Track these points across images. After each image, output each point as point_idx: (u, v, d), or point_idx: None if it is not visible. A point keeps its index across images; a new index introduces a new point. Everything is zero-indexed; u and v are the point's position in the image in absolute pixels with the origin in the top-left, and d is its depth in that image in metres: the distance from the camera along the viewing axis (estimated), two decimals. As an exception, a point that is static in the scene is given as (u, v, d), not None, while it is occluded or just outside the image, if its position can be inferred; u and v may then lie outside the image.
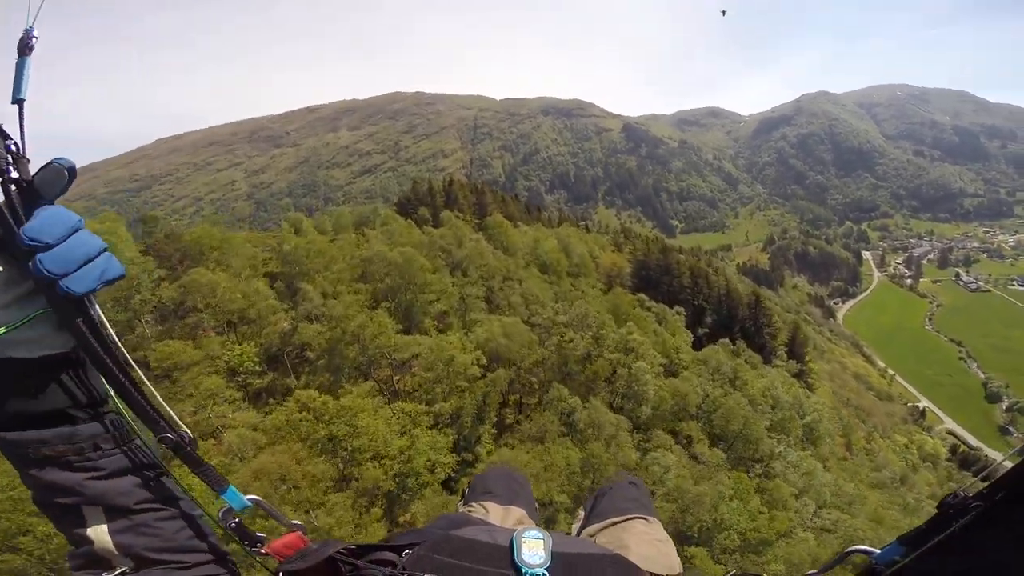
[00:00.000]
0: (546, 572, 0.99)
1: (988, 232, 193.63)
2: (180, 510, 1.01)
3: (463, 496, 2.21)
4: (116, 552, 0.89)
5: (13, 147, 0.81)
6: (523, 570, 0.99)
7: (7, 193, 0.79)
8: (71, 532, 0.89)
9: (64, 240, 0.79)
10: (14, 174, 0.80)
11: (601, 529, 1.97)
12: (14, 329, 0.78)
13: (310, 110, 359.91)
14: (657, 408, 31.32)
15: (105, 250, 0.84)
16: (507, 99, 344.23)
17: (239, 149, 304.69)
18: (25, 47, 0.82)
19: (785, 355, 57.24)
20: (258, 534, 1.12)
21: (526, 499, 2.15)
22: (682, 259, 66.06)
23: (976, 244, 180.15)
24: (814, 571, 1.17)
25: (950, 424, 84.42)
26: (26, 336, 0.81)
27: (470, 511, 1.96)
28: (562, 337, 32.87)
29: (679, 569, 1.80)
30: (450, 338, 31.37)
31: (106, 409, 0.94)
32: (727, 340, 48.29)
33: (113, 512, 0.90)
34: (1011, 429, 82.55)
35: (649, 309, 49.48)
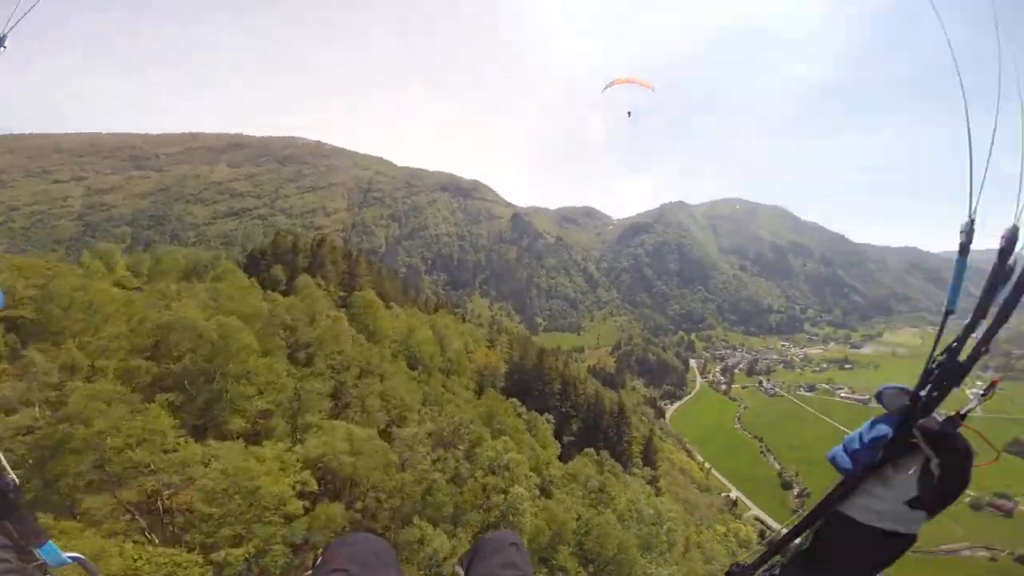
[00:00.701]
0: None
1: (784, 345, 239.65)
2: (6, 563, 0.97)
3: (313, 565, 2.01)
4: None
5: None
6: None
7: None
8: None
9: None
10: None
11: None
12: None
13: (193, 136, 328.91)
14: (533, 540, 28.72)
15: None
16: (408, 168, 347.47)
17: (90, 163, 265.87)
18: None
19: (641, 462, 61.20)
20: None
21: (396, 570, 2.03)
22: (556, 365, 67.22)
23: (775, 356, 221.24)
24: None
25: (755, 511, 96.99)
26: None
27: None
28: (429, 458, 27.83)
29: None
30: (265, 451, 22.23)
31: None
32: (592, 450, 49.37)
33: None
34: (799, 511, 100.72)
35: (521, 416, 47.89)
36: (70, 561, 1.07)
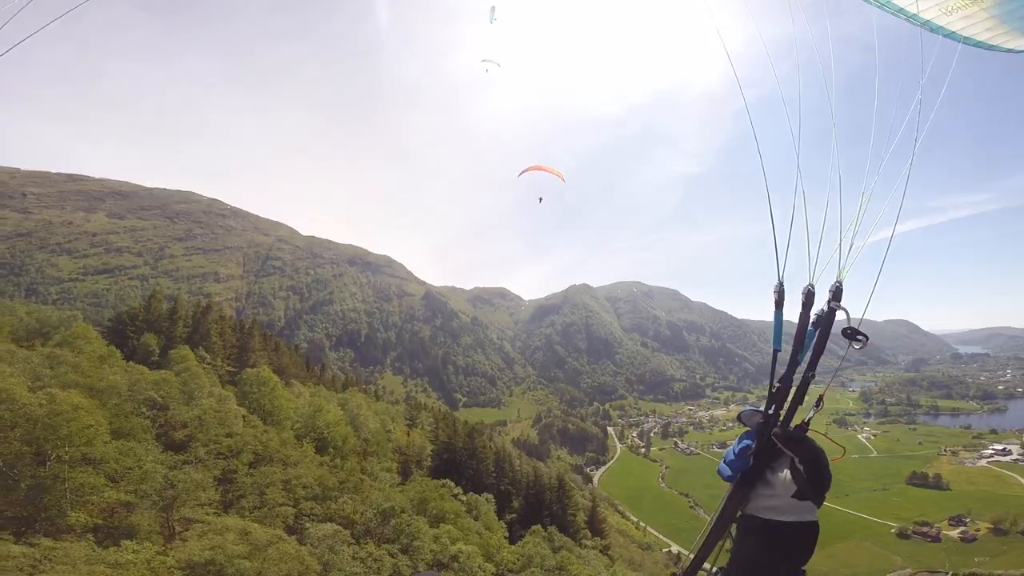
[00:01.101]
0: None
1: (691, 409, 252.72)
2: None
3: None
4: None
5: None
6: None
7: None
8: None
9: None
10: None
11: None
12: None
13: (72, 179, 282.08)
14: None
15: None
16: (313, 237, 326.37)
17: None
18: None
19: (589, 532, 57.59)
20: None
21: None
22: (487, 443, 63.61)
23: (684, 419, 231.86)
24: None
25: None
26: None
27: None
28: (357, 557, 22.45)
29: None
30: (124, 553, 15.76)
31: None
32: (539, 527, 45.11)
33: None
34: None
35: (458, 498, 42.95)
36: None
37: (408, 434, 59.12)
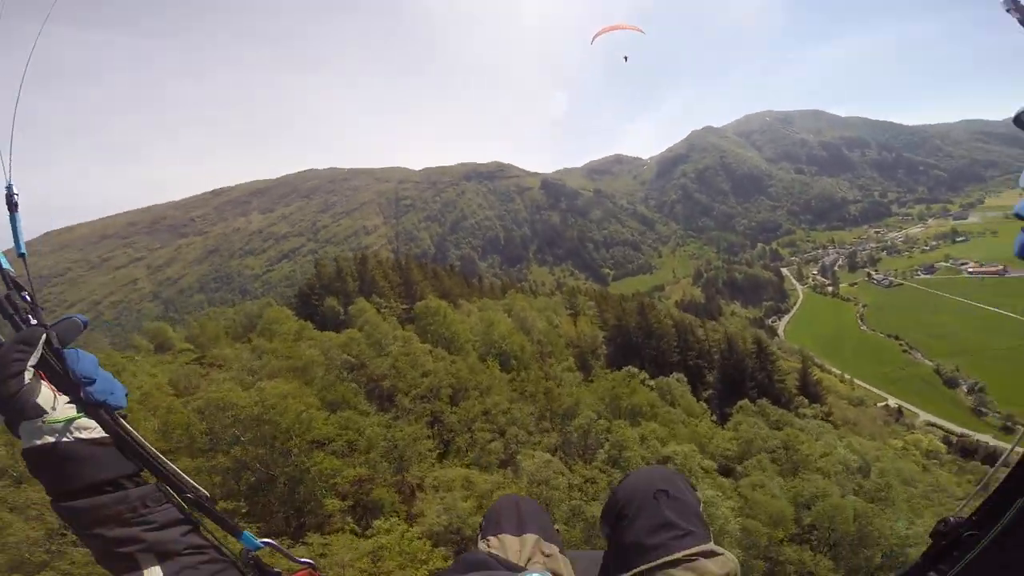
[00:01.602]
0: None
1: (878, 232, 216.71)
2: (214, 556, 1.20)
3: (480, 530, 2.17)
4: None
5: (28, 297, 1.01)
6: None
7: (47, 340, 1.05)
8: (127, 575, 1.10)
9: (96, 374, 1.14)
10: (33, 321, 1.01)
11: None
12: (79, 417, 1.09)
13: (215, 193, 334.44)
14: (752, 546, 20.46)
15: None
16: (427, 168, 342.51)
17: (139, 241, 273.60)
18: (11, 203, 0.96)
19: (804, 399, 50.24)
20: (274, 569, 1.30)
21: (540, 524, 2.09)
22: (663, 318, 56.95)
23: (873, 244, 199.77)
24: None
25: (925, 415, 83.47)
26: (84, 424, 1.10)
27: (488, 546, 1.96)
28: (569, 483, 20.44)
29: None
30: (374, 542, 14.04)
31: (143, 479, 1.20)
32: (746, 401, 40.19)
33: (164, 557, 1.12)
34: (984, 410, 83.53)
35: (645, 383, 39.86)
36: (263, 545, 1.29)
37: (575, 324, 56.70)
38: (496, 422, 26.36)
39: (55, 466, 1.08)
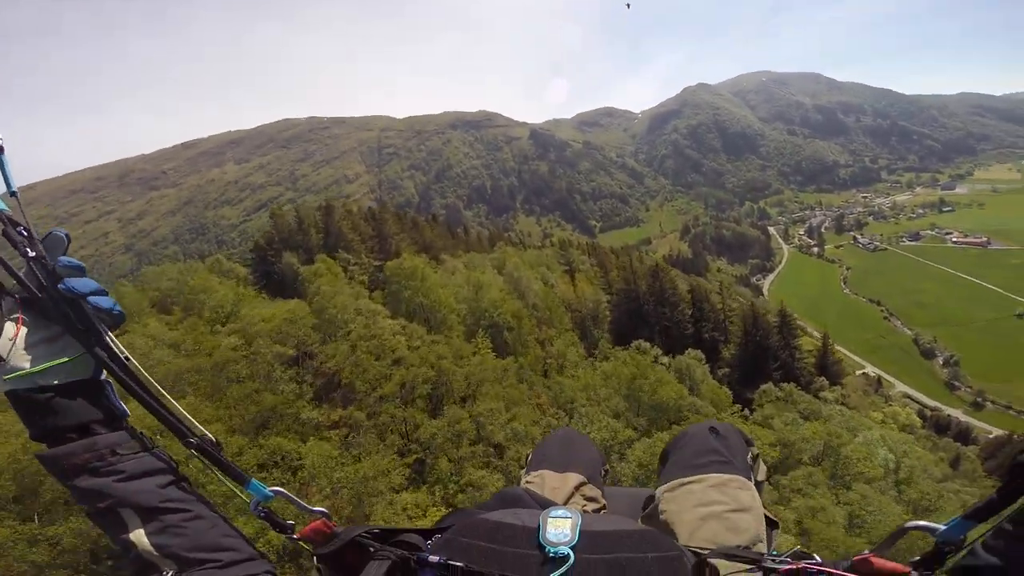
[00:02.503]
0: (570, 551, 0.98)
1: (866, 197, 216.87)
2: (202, 511, 1.10)
3: (526, 465, 2.15)
4: (156, 553, 1.02)
5: (24, 232, 1.03)
6: (547, 549, 0.99)
7: (32, 266, 1.02)
8: (118, 539, 1.04)
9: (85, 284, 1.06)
10: (31, 253, 1.02)
11: (666, 493, 1.71)
12: (52, 366, 1.02)
13: (187, 146, 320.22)
14: None
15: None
16: (411, 117, 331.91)
17: (108, 195, 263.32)
18: None
19: (826, 382, 44.04)
20: (288, 521, 1.22)
21: (586, 462, 2.05)
22: (678, 283, 50.50)
23: (860, 208, 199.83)
24: (867, 550, 1.07)
25: (901, 387, 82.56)
26: (55, 368, 1.04)
27: (528, 483, 1.93)
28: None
29: (751, 541, 1.48)
30: None
31: (124, 424, 1.12)
32: (770, 385, 34.83)
33: (144, 514, 1.03)
34: (956, 384, 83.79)
35: (658, 361, 34.54)
36: (272, 495, 1.20)
37: (573, 285, 49.91)
38: (491, 438, 20.57)
39: (23, 412, 1.05)
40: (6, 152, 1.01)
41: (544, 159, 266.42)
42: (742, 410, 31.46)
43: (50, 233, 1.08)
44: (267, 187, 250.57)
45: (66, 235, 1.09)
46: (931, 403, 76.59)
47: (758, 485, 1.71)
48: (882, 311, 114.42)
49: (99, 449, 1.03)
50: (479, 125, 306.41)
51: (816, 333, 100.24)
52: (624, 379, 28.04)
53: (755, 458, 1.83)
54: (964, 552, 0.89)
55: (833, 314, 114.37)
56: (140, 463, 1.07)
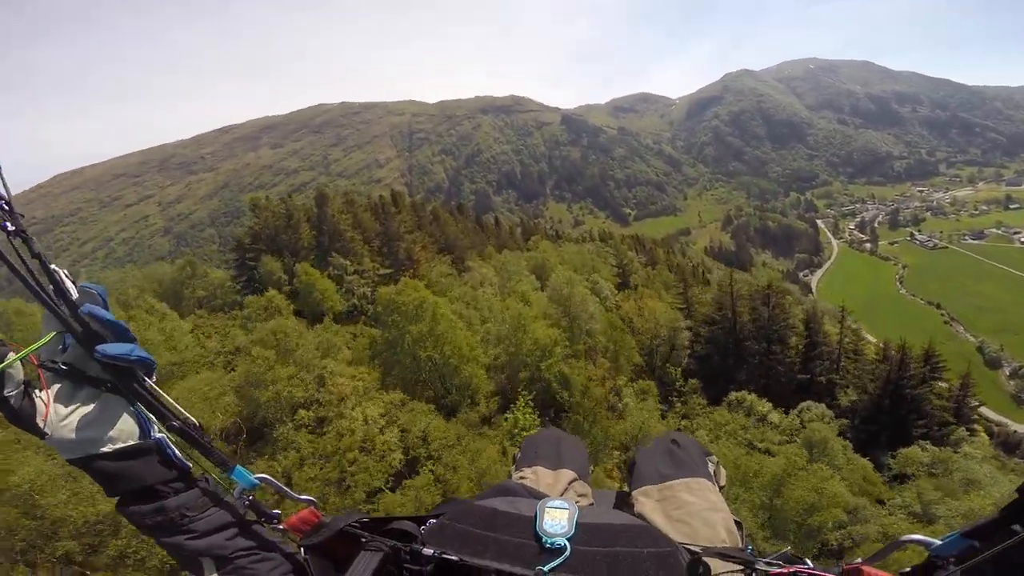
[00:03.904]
0: (567, 542, 0.97)
1: (922, 191, 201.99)
2: (266, 552, 1.14)
3: (515, 462, 2.17)
4: None
5: (6, 205, 1.01)
6: (543, 539, 0.98)
7: (26, 242, 1.00)
8: None
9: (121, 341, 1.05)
10: (11, 227, 0.98)
11: (640, 495, 1.80)
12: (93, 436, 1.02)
13: (224, 131, 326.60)
14: None
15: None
16: (441, 101, 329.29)
17: (149, 180, 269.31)
18: None
19: (958, 425, 31.71)
20: (273, 511, 1.21)
21: (577, 461, 2.08)
22: (791, 306, 37.81)
23: (918, 203, 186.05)
24: (861, 559, 1.08)
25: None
26: (102, 436, 1.03)
27: (521, 478, 1.94)
28: None
29: (726, 539, 1.54)
30: None
31: (191, 483, 1.13)
32: (916, 447, 25.70)
33: (219, 562, 1.08)
34: None
35: (766, 420, 25.47)
36: (258, 483, 1.19)
37: (639, 306, 36.39)
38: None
39: (92, 477, 1.06)
40: None
41: (576, 145, 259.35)
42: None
43: (83, 288, 1.08)
44: (300, 171, 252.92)
45: (100, 293, 1.09)
46: (997, 418, 69.31)
47: (721, 490, 1.82)
48: (942, 314, 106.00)
49: (169, 514, 1.06)
50: (509, 110, 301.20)
51: (871, 337, 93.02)
52: (768, 479, 18.02)
53: (717, 465, 1.94)
54: (954, 570, 0.89)
55: (887, 314, 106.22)
56: (209, 521, 1.10)
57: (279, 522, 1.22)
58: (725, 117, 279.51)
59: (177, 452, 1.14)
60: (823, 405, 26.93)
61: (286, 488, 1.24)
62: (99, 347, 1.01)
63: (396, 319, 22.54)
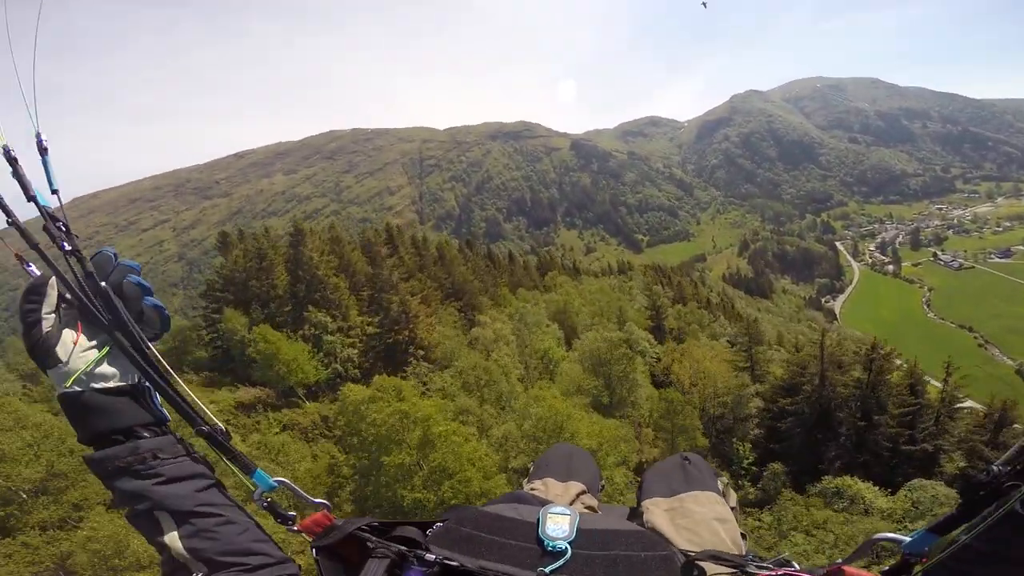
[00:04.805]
0: (568, 545, 0.99)
1: (941, 209, 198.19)
2: (235, 516, 1.14)
3: (527, 475, 2.22)
4: (188, 556, 1.05)
5: (63, 227, 1.09)
6: (545, 543, 1.00)
7: (80, 261, 1.10)
8: (154, 541, 1.08)
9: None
10: (67, 247, 1.07)
11: (651, 506, 1.84)
12: (97, 359, 1.09)
13: (239, 156, 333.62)
14: None
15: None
16: (451, 128, 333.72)
17: (165, 204, 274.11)
18: (42, 148, 1.07)
19: None
20: (289, 513, 1.24)
21: (587, 473, 2.15)
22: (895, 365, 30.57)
23: (938, 222, 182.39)
24: (839, 560, 1.10)
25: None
26: (108, 372, 1.10)
27: (532, 489, 2.00)
28: None
29: (731, 547, 1.59)
30: None
31: (166, 429, 1.17)
32: None
33: (178, 518, 1.07)
34: None
35: (870, 512, 20.19)
36: (276, 485, 1.22)
37: (693, 368, 31.07)
38: None
39: (74, 415, 1.10)
40: (50, 152, 1.06)
41: (586, 170, 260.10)
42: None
43: (100, 252, 1.17)
44: (312, 198, 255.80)
45: (114, 253, 1.18)
46: (1049, 437, 66.07)
47: (732, 510, 1.85)
48: (976, 338, 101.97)
49: (142, 452, 1.09)
50: (519, 136, 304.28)
51: (900, 361, 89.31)
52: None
53: (725, 486, 1.99)
54: (930, 562, 0.93)
55: (916, 340, 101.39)
56: (179, 467, 1.12)
57: (294, 523, 1.24)
58: (735, 139, 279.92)
59: (158, 403, 1.18)
60: (937, 482, 22.27)
61: (302, 492, 1.27)
62: (147, 298, 1.14)
63: (367, 436, 16.93)
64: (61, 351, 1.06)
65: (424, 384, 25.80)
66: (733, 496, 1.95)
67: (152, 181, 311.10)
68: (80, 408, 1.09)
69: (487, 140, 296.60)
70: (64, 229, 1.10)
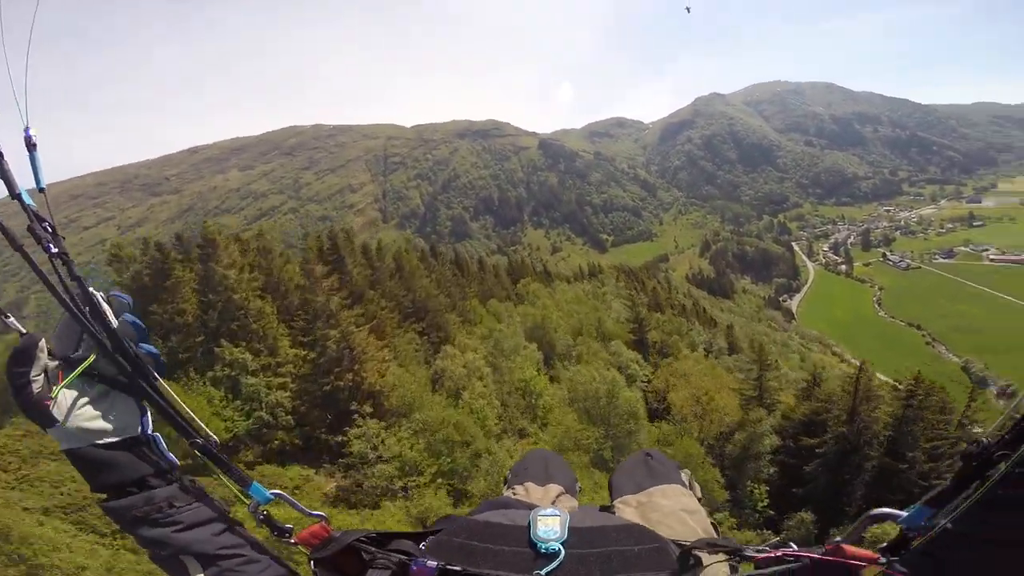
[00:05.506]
0: (561, 546, 1.01)
1: (889, 211, 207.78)
2: (255, 555, 1.16)
3: (506, 482, 2.29)
4: None
5: (49, 228, 1.08)
6: (538, 545, 1.02)
7: (67, 265, 1.10)
8: None
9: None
10: (54, 249, 1.06)
11: (621, 505, 1.89)
12: (104, 427, 1.10)
13: (192, 151, 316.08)
14: None
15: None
16: (418, 125, 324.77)
17: (109, 201, 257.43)
18: (30, 144, 1.06)
19: None
20: (286, 525, 1.24)
21: (564, 477, 2.22)
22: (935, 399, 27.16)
23: (886, 223, 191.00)
24: (839, 538, 1.10)
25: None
26: (107, 427, 1.10)
27: (512, 494, 2.06)
28: None
29: (705, 535, 1.63)
30: None
31: (177, 476, 1.18)
32: None
33: (203, 560, 1.09)
34: (1016, 416, 77.59)
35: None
36: (273, 497, 1.23)
37: (699, 396, 29.10)
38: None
39: (83, 469, 1.11)
40: (38, 149, 1.05)
41: (553, 170, 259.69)
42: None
43: (113, 295, 1.17)
44: (269, 195, 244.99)
45: (130, 301, 1.18)
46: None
47: (699, 500, 1.92)
48: (924, 336, 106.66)
49: (157, 502, 1.09)
50: (487, 134, 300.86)
51: (853, 360, 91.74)
52: None
53: (690, 478, 2.05)
54: (926, 537, 0.93)
55: (869, 338, 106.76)
56: (196, 513, 1.13)
57: (291, 536, 1.25)
58: (697, 141, 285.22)
59: (166, 447, 1.19)
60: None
61: (299, 504, 1.28)
62: (142, 344, 1.14)
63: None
64: (56, 412, 1.06)
65: (370, 453, 18.55)
66: (698, 488, 2.01)
67: (95, 177, 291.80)
68: (87, 463, 1.10)
69: (455, 138, 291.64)
70: (51, 230, 1.09)
